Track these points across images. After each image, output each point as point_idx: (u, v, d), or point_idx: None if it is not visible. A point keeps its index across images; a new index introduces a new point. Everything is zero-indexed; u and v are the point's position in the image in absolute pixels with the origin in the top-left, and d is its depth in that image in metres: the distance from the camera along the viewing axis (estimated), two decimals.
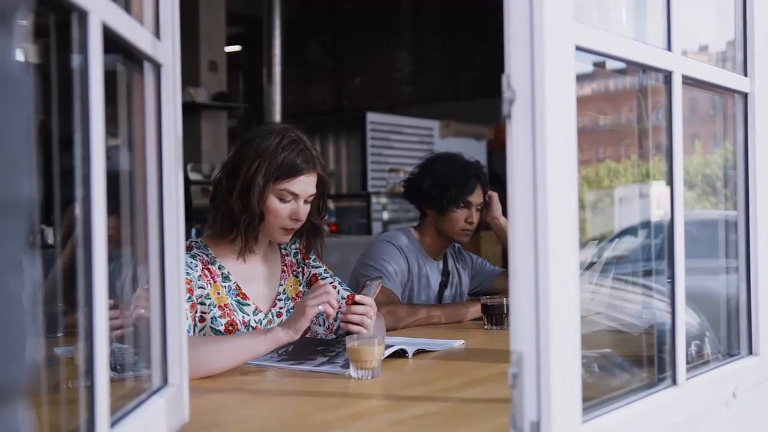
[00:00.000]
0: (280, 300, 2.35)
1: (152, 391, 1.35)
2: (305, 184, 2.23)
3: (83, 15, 1.01)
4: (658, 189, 1.90)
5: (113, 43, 1.13)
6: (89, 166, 1.02)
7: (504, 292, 2.98)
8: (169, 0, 1.41)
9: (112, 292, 1.09)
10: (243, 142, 2.26)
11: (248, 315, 2.24)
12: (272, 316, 2.30)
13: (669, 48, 1.54)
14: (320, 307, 1.99)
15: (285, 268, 2.40)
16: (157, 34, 1.37)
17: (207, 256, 2.24)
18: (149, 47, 1.31)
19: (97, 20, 1.04)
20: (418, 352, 2.18)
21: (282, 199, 2.21)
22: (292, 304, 2.35)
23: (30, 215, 0.58)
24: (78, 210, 1.03)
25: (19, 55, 0.57)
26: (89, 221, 1.02)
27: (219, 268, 2.24)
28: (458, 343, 2.37)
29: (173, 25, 1.42)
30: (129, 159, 1.41)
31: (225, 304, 2.20)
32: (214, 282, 2.20)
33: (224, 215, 2.22)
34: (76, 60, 1.04)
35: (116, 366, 1.36)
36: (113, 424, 1.11)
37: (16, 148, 0.55)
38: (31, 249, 0.58)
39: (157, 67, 1.37)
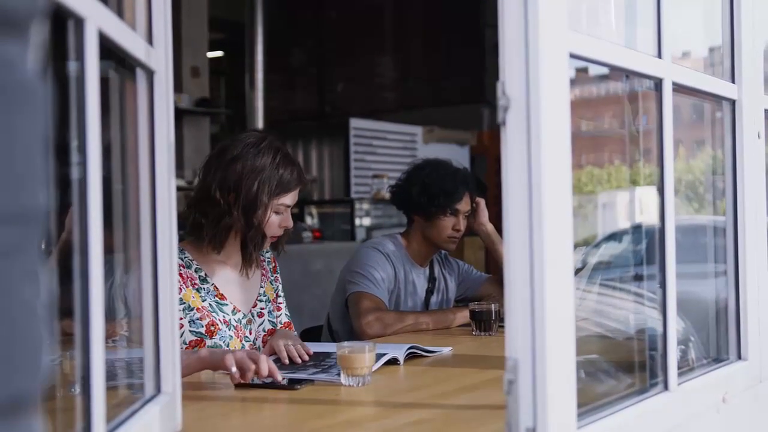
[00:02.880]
0: (261, 301, 2.41)
1: (145, 400, 1.35)
2: (296, 195, 2.34)
3: (80, 22, 1.01)
4: (642, 195, 1.91)
5: (107, 49, 1.13)
6: (86, 173, 1.02)
7: (491, 297, 2.99)
8: (162, 7, 1.40)
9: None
10: (232, 158, 2.26)
11: (228, 314, 2.28)
12: (252, 316, 2.36)
13: (659, 55, 1.55)
14: (233, 369, 1.82)
15: (264, 272, 2.47)
16: (150, 40, 1.37)
17: (182, 260, 2.26)
18: (143, 54, 1.30)
19: (94, 27, 1.03)
20: (410, 357, 2.19)
21: (277, 213, 2.30)
22: (272, 306, 2.43)
23: (43, 225, 0.58)
24: (75, 217, 1.02)
25: (35, 64, 0.57)
26: (85, 228, 1.01)
27: (196, 271, 2.28)
28: (447, 350, 2.37)
29: (166, 32, 1.41)
30: (121, 166, 1.40)
31: (203, 306, 2.24)
32: (187, 287, 2.24)
33: (223, 231, 2.26)
34: (71, 66, 1.03)
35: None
36: None
37: (32, 157, 0.54)
38: (44, 258, 0.58)
39: (150, 74, 1.36)
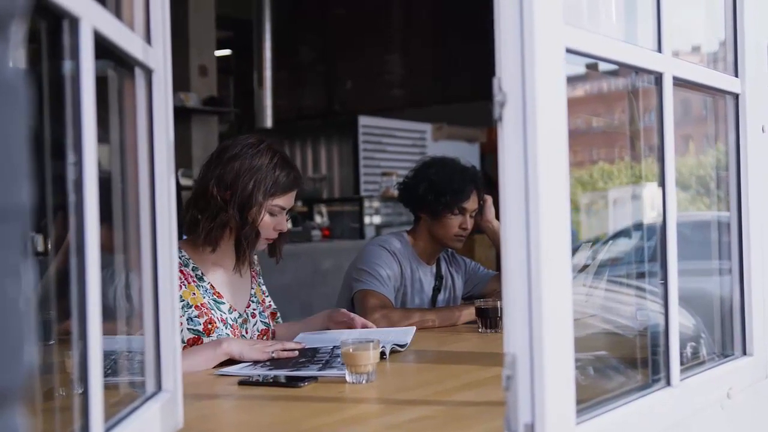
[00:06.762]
0: (253, 302, 2.46)
1: (146, 397, 1.35)
2: (292, 199, 2.38)
3: (75, 21, 1.01)
4: (651, 190, 1.90)
5: (104, 48, 1.13)
6: (81, 173, 1.02)
7: (497, 295, 2.98)
8: (160, 5, 1.41)
9: (105, 299, 1.09)
10: (231, 157, 2.30)
11: (224, 313, 2.32)
12: (247, 316, 2.41)
13: (659, 49, 1.55)
14: (274, 354, 2.14)
15: (254, 274, 2.52)
16: (148, 39, 1.37)
17: (180, 259, 2.29)
18: (140, 53, 1.31)
19: (89, 27, 1.03)
20: (392, 352, 2.22)
21: (272, 214, 2.33)
22: (261, 308, 2.48)
23: (27, 221, 0.58)
24: (71, 217, 1.02)
25: (16, 62, 0.57)
26: (82, 228, 1.02)
27: (193, 270, 2.32)
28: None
29: (164, 31, 1.41)
30: (120, 166, 1.41)
31: (202, 304, 2.28)
32: (189, 284, 2.28)
33: (219, 227, 2.29)
34: (67, 66, 1.03)
35: (106, 371, 1.35)
36: (107, 430, 1.11)
37: (14, 154, 0.55)
38: (27, 255, 0.58)
39: (148, 72, 1.37)
